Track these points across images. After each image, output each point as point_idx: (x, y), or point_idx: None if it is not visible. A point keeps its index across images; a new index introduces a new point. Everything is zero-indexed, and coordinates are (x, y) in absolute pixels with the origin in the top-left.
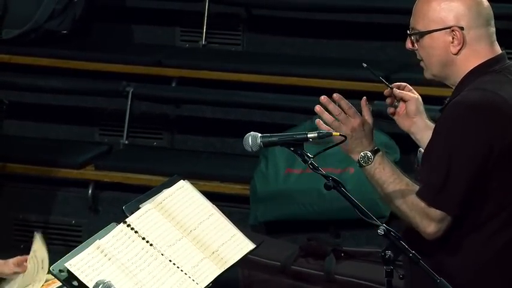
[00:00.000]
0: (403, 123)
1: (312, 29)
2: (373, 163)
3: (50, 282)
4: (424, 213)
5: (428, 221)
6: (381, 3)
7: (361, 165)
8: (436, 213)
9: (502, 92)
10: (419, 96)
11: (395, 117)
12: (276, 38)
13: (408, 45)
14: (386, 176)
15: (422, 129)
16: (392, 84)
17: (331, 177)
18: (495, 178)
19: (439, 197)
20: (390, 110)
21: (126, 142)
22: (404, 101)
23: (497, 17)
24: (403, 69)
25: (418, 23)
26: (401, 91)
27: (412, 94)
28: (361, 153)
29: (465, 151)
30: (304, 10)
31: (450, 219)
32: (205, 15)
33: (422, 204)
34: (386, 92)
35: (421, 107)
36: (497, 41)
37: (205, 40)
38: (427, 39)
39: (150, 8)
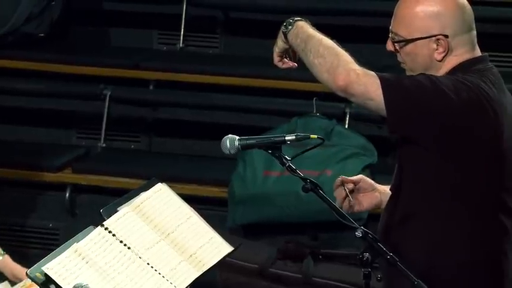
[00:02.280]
0: (369, 203)
1: None
2: (294, 25)
3: (28, 285)
4: (350, 63)
5: (348, 70)
6: (357, 5)
7: (285, 35)
8: (364, 72)
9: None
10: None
11: (358, 209)
12: (253, 41)
13: (389, 47)
14: (314, 32)
15: (387, 193)
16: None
17: (309, 179)
18: (455, 162)
19: (391, 75)
20: (345, 207)
21: (104, 145)
22: (354, 186)
23: (483, 20)
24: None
25: (402, 29)
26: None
27: (354, 178)
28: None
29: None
30: (281, 13)
31: (368, 84)
32: (183, 18)
33: (356, 66)
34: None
35: (369, 180)
36: (484, 44)
37: (182, 43)
38: (410, 46)
39: (127, 11)
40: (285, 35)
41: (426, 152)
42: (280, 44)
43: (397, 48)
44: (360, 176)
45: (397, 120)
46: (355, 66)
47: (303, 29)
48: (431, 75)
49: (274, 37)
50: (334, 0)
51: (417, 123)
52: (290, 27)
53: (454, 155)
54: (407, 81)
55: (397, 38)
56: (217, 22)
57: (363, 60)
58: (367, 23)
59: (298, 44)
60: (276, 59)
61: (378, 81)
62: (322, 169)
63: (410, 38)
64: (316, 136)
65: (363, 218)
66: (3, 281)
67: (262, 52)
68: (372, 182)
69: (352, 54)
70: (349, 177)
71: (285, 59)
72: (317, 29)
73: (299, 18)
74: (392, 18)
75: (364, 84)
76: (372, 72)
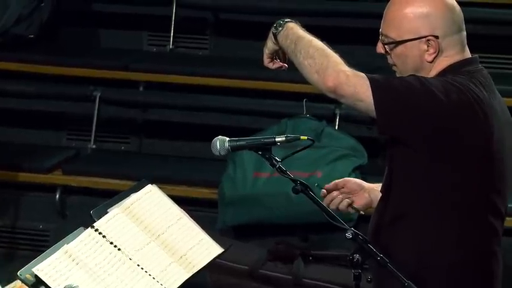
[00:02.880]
0: (361, 203)
1: None
2: (285, 26)
3: (18, 286)
4: (340, 65)
5: (338, 71)
6: (348, 7)
7: (275, 36)
8: (354, 73)
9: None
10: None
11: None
12: (243, 42)
13: (379, 49)
14: (304, 33)
15: (377, 191)
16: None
17: (299, 181)
18: (445, 163)
19: (381, 76)
20: (350, 209)
21: (94, 146)
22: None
23: (474, 22)
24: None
25: (391, 31)
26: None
27: (338, 181)
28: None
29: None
30: (271, 14)
31: (357, 86)
32: (173, 19)
33: (345, 67)
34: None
35: (356, 180)
36: (475, 45)
37: (172, 44)
38: (400, 47)
39: (117, 12)
40: (275, 36)
41: (416, 153)
42: (270, 45)
43: (388, 50)
44: (344, 179)
45: (386, 121)
46: (344, 67)
47: (293, 30)
48: (421, 76)
49: (264, 38)
50: (326, 2)
51: (406, 124)
52: (280, 28)
53: (443, 156)
54: (397, 82)
55: (387, 40)
56: (206, 23)
57: (355, 62)
58: (360, 24)
59: (288, 46)
60: (265, 60)
61: (368, 82)
62: (313, 170)
63: (400, 39)
64: (306, 137)
65: (353, 219)
66: None
67: (251, 53)
68: (359, 181)
69: (345, 55)
70: (332, 182)
71: (275, 60)
72: (308, 30)
73: (289, 20)
74: (382, 20)
75: (354, 85)
76: (362, 74)
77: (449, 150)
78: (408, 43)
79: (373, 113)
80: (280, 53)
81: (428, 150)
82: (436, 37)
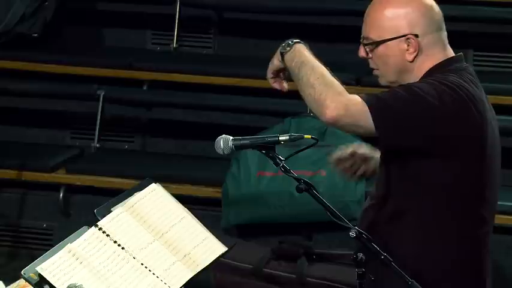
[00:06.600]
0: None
1: (282, 32)
2: (293, 47)
3: (22, 285)
4: (337, 95)
5: (336, 102)
6: (351, 6)
7: (282, 55)
8: (352, 102)
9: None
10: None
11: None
12: (247, 41)
13: (361, 53)
14: (309, 57)
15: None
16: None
17: (302, 179)
18: (446, 162)
19: (375, 97)
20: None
21: (98, 145)
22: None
23: (474, 20)
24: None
25: (371, 32)
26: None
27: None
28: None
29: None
30: (275, 13)
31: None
32: (177, 18)
33: (343, 96)
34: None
35: (364, 149)
36: (474, 43)
37: (176, 43)
38: (381, 48)
39: (121, 11)
40: (282, 55)
41: (416, 157)
42: (276, 62)
43: (368, 51)
44: (352, 149)
45: (388, 138)
46: (343, 97)
47: (300, 53)
48: (412, 85)
49: (268, 37)
50: (329, 0)
51: (407, 136)
52: (288, 48)
53: (443, 156)
54: (391, 98)
55: (368, 41)
56: (210, 22)
57: (357, 60)
58: (361, 23)
59: (293, 69)
60: (269, 75)
61: (366, 108)
62: (316, 169)
63: (380, 39)
64: (310, 136)
65: (357, 218)
66: None
67: (255, 52)
68: (367, 152)
69: (347, 53)
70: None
71: (278, 78)
72: (311, 29)
73: (298, 41)
74: (363, 23)
75: (353, 115)
76: (358, 99)
77: (449, 151)
78: (389, 43)
79: (373, 135)
80: (285, 72)
81: (429, 153)
82: (416, 36)
